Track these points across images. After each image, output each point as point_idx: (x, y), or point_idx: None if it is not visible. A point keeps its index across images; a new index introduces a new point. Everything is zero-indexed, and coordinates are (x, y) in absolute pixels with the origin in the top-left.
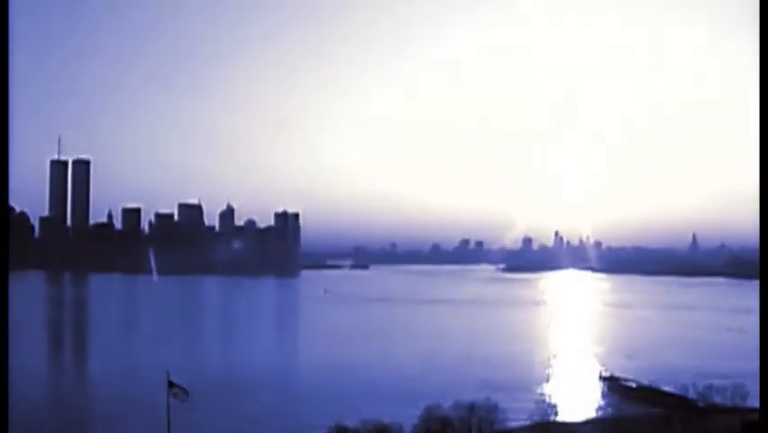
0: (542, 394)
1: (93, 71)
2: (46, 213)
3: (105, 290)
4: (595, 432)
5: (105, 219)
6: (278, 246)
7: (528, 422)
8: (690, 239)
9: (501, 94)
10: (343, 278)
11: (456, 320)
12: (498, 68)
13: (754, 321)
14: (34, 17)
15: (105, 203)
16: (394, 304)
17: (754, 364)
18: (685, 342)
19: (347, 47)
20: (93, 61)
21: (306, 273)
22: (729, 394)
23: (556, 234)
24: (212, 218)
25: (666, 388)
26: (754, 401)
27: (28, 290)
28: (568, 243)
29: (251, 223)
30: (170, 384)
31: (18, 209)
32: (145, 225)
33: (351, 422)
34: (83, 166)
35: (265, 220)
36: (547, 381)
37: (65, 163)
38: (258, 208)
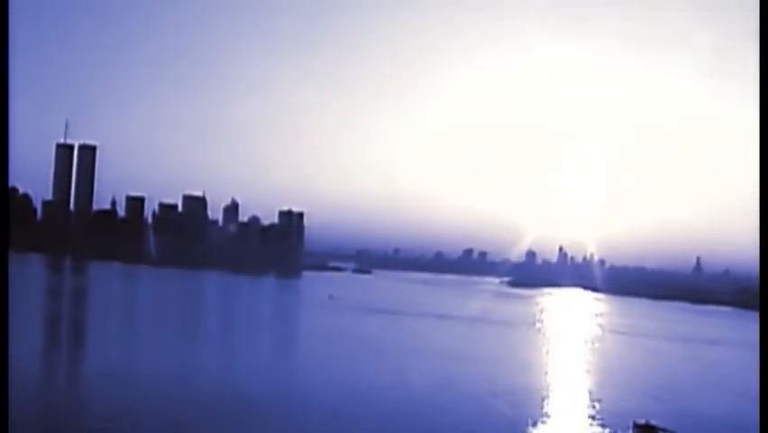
0: None
1: (107, 58)
2: (50, 196)
3: (99, 279)
4: None
5: (108, 206)
6: (280, 245)
7: None
8: (693, 262)
9: (512, 108)
10: (346, 282)
11: (470, 341)
12: (513, 84)
13: None
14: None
15: (110, 190)
16: (402, 317)
17: None
18: (711, 383)
19: (363, 44)
20: (108, 48)
21: (307, 274)
22: None
23: (560, 249)
24: (216, 212)
25: None
26: None
27: (26, 274)
28: (572, 259)
29: (254, 219)
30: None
31: (21, 191)
32: (149, 215)
33: None
34: (89, 151)
35: (269, 217)
36: (582, 422)
37: (71, 147)
38: (263, 205)
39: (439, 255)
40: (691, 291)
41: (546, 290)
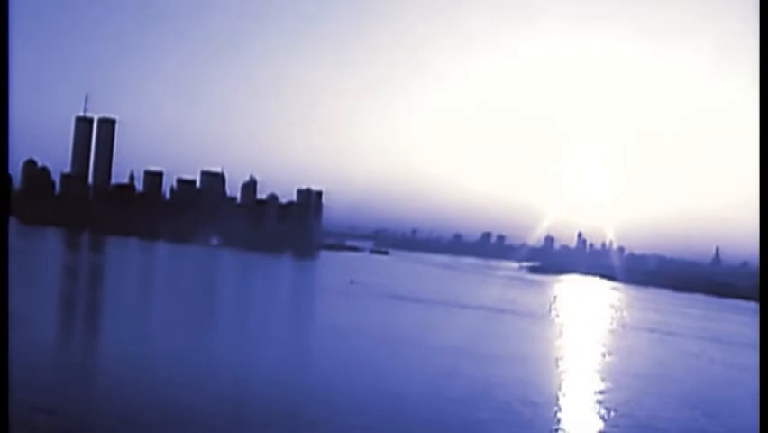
0: None
1: (128, 31)
2: (68, 169)
3: (114, 255)
4: None
5: (126, 180)
6: (298, 224)
7: None
8: (712, 252)
9: (533, 93)
10: (365, 264)
11: (499, 337)
12: (533, 69)
13: None
14: None
15: (128, 164)
16: (427, 306)
17: None
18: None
19: (382, 21)
20: (128, 20)
21: (325, 254)
22: None
23: (579, 235)
24: (234, 189)
25: None
26: None
27: (44, 248)
28: (591, 245)
29: (273, 197)
30: None
31: (40, 164)
32: (167, 190)
33: None
34: (108, 125)
35: (288, 195)
36: None
37: (90, 121)
38: (281, 183)
39: (457, 238)
40: (713, 284)
41: (566, 277)
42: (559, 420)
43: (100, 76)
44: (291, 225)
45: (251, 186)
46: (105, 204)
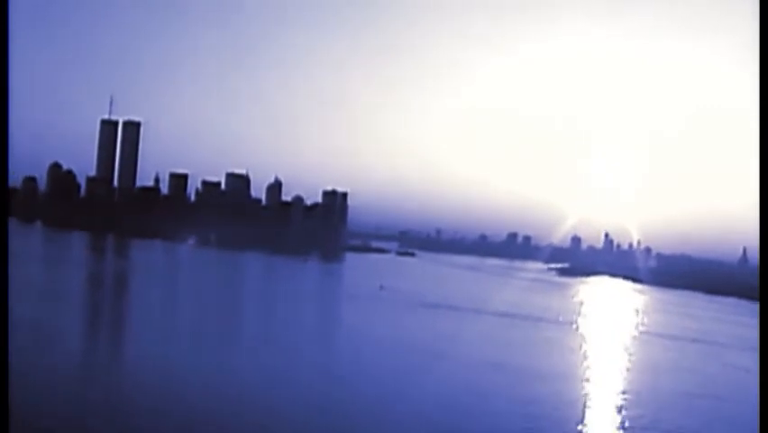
0: None
1: (153, 33)
2: (93, 173)
3: (139, 258)
4: None
5: (151, 183)
6: (324, 226)
7: None
8: (739, 251)
9: (555, 92)
10: (392, 267)
11: (538, 350)
12: (555, 69)
13: None
14: None
15: (153, 167)
16: (462, 314)
17: None
18: None
19: (406, 21)
20: (153, 23)
21: (351, 257)
22: None
23: (606, 235)
24: (259, 191)
25: None
26: None
27: (70, 256)
28: (618, 246)
29: (298, 199)
30: None
31: (65, 167)
32: (191, 192)
33: None
34: (133, 127)
35: (313, 197)
36: None
37: (115, 123)
38: (306, 185)
39: (483, 238)
40: (744, 287)
41: (595, 279)
42: None
43: (125, 78)
44: (317, 227)
45: (275, 187)
46: (130, 206)
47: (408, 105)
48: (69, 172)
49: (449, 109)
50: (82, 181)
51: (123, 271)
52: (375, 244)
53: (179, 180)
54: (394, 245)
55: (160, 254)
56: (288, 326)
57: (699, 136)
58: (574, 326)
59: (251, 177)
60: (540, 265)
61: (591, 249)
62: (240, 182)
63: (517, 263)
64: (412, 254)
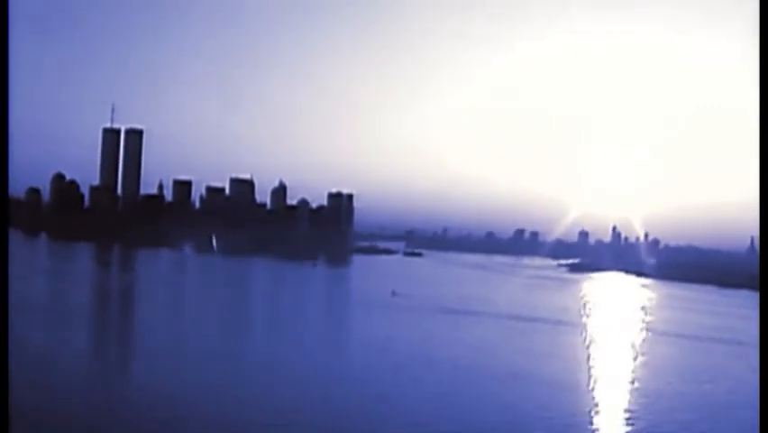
0: None
1: (152, 40)
2: (96, 182)
3: (147, 271)
4: None
5: (155, 191)
6: (331, 229)
7: None
8: (747, 241)
9: (557, 87)
10: (401, 269)
11: (569, 356)
12: (557, 63)
13: None
14: None
15: (157, 174)
16: (480, 320)
17: None
18: None
19: (413, 26)
20: (152, 30)
21: (359, 259)
22: None
23: (614, 228)
24: (264, 195)
25: None
26: None
27: (71, 270)
28: (626, 239)
29: (304, 202)
30: None
31: (69, 177)
32: (196, 199)
33: None
34: (135, 135)
35: (318, 200)
36: None
37: (117, 132)
38: (309, 187)
39: (489, 235)
40: (755, 278)
41: (606, 275)
42: None
43: (126, 86)
44: (323, 231)
45: (280, 191)
46: (134, 215)
47: (411, 103)
48: (73, 182)
49: (451, 107)
50: (85, 191)
51: (130, 283)
52: (382, 244)
53: (183, 187)
54: (400, 245)
55: (167, 264)
56: (303, 341)
57: (704, 127)
58: (596, 329)
59: (256, 181)
60: (550, 262)
61: (599, 243)
62: (244, 187)
63: (526, 260)
64: (419, 254)
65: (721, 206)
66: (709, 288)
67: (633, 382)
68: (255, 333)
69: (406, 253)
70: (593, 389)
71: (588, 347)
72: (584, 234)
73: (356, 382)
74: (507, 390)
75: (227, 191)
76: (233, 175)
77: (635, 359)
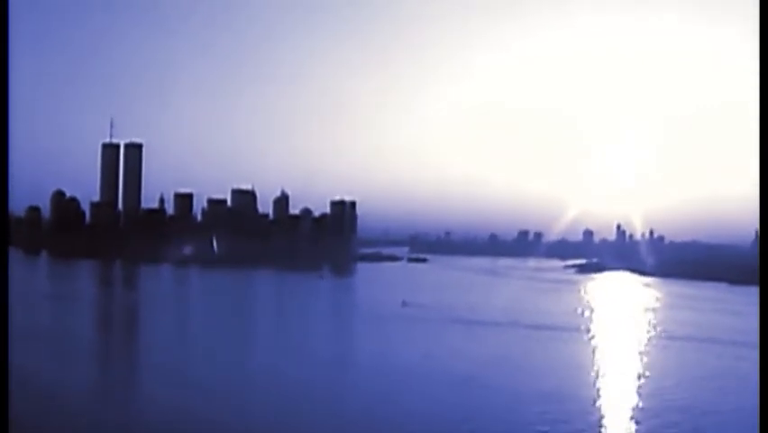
0: None
1: (148, 53)
2: (97, 198)
3: (151, 286)
4: None
5: (156, 205)
6: (334, 237)
7: None
8: (752, 235)
9: (557, 85)
10: (407, 276)
11: (593, 370)
12: (556, 60)
13: None
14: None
15: (157, 188)
16: (498, 331)
17: None
18: None
19: (410, 30)
20: (150, 43)
21: (363, 266)
22: None
23: (618, 227)
24: (266, 206)
25: None
26: None
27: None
28: (631, 236)
29: (306, 211)
30: None
31: (69, 194)
32: (198, 212)
33: None
34: (135, 149)
35: (321, 208)
36: None
37: (117, 146)
38: (311, 196)
39: (493, 238)
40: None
41: (615, 275)
42: None
43: (124, 100)
44: (327, 239)
45: (282, 201)
46: (136, 230)
47: (409, 106)
48: (73, 199)
49: (451, 108)
50: (86, 207)
51: (134, 301)
52: (385, 250)
53: (184, 200)
54: (404, 250)
55: (171, 279)
56: (319, 357)
57: (705, 121)
58: (617, 337)
59: (257, 192)
60: (556, 263)
61: (604, 242)
62: (246, 198)
63: (532, 262)
64: (424, 260)
65: (722, 201)
66: (720, 285)
67: (666, 397)
68: (265, 354)
69: (411, 259)
70: (632, 408)
71: (613, 359)
72: (589, 234)
73: (383, 400)
74: (540, 411)
75: (229, 203)
76: (235, 186)
77: (668, 371)
